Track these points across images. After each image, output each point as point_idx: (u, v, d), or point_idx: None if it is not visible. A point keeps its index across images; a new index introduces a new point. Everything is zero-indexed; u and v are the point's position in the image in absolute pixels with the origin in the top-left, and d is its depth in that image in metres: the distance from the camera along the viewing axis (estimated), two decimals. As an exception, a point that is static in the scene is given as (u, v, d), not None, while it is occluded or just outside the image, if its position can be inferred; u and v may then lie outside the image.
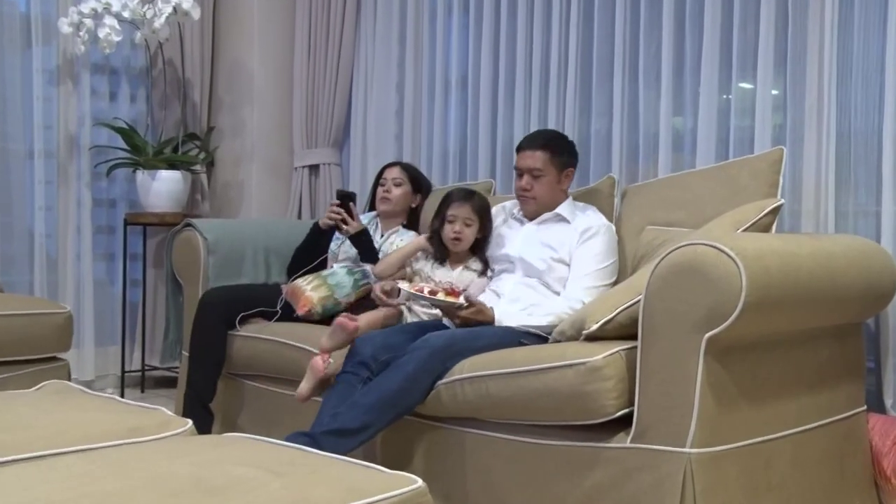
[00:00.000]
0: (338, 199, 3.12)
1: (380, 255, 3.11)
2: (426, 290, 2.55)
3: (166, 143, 4.21)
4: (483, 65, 3.76)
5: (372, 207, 3.38)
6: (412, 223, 3.29)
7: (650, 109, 3.25)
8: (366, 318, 2.72)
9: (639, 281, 2.15)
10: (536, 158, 2.77)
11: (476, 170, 3.81)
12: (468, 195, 2.86)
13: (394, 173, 3.28)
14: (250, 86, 4.40)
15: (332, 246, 3.27)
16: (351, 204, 3.11)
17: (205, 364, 3.04)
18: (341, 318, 2.64)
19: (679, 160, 3.18)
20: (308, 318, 3.07)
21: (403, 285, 2.62)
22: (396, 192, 3.24)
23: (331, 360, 2.62)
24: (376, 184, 3.34)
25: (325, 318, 3.03)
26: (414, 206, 3.30)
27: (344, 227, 3.11)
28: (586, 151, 3.43)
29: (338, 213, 3.11)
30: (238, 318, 3.10)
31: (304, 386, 2.62)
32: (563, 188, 2.84)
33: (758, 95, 2.92)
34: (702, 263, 1.89)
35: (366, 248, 3.11)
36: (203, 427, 2.92)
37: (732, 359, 1.98)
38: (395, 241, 3.15)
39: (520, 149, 2.82)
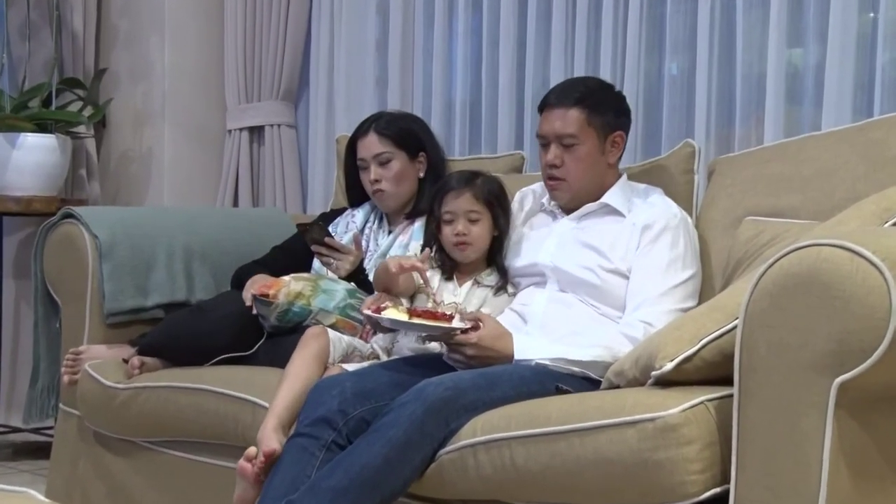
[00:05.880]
0: (311, 241, 3.16)
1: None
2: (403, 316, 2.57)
3: (32, 93, 4.23)
4: (504, -24, 3.77)
5: (357, 195, 3.38)
6: (418, 204, 3.26)
7: (753, 40, 3.25)
8: (297, 372, 2.69)
9: (733, 299, 2.15)
10: (568, 120, 2.78)
11: (495, 134, 3.81)
12: (467, 179, 2.88)
13: (372, 147, 3.25)
14: (159, 7, 4.41)
15: (316, 264, 3.28)
16: (327, 238, 3.16)
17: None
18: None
19: (796, 116, 3.18)
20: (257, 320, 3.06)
21: (389, 313, 2.60)
22: (390, 174, 3.24)
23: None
24: (352, 162, 3.34)
25: (277, 331, 3.03)
26: (422, 174, 3.29)
27: (333, 264, 3.16)
28: (657, 106, 3.44)
29: (326, 257, 3.18)
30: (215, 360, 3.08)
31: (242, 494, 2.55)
32: (611, 162, 2.85)
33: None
34: (830, 273, 1.88)
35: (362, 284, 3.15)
36: None
37: (877, 415, 1.97)
38: (411, 245, 3.16)
39: (544, 106, 2.83)
